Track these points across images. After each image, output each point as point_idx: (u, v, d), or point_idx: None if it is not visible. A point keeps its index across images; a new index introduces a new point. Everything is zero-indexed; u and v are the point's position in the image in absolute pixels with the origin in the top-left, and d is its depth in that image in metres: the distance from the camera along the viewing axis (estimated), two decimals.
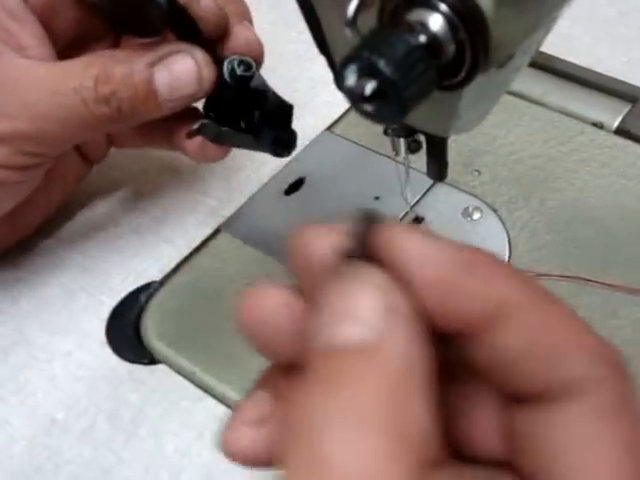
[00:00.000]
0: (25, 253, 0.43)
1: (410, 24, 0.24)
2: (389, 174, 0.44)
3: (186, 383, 0.36)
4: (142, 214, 0.45)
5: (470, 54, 0.24)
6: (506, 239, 0.40)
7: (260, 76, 0.37)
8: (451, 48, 0.24)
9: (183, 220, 0.45)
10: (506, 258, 0.39)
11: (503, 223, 0.40)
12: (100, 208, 0.46)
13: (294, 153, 0.47)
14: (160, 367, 0.37)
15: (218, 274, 0.41)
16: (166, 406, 0.36)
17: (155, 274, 0.42)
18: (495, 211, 0.41)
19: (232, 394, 0.35)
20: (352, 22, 0.26)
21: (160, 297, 0.40)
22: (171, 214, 0.45)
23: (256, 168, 0.47)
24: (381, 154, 0.46)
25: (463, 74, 0.24)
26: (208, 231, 0.44)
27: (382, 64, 0.22)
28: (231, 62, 0.35)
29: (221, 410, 0.35)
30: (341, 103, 0.47)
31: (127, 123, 0.36)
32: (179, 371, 0.37)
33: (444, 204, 0.42)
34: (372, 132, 0.47)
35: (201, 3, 0.34)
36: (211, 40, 0.36)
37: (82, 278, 0.42)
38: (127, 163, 0.48)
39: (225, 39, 0.36)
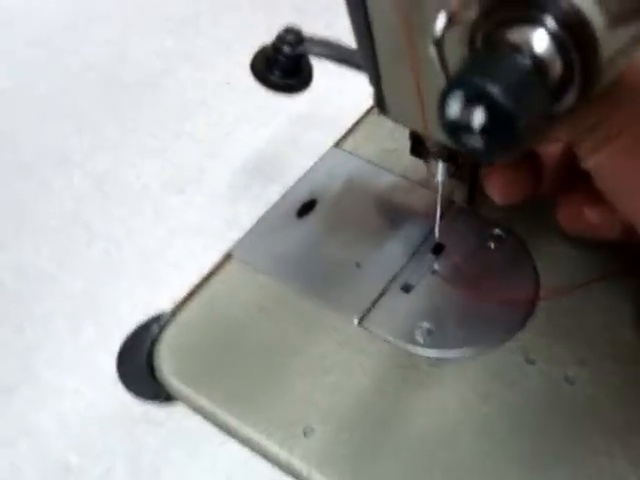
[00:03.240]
0: (25, 280, 0.41)
1: (513, 44, 0.21)
2: (403, 195, 0.43)
3: (206, 423, 0.35)
4: (145, 236, 0.44)
5: (580, 76, 0.21)
6: (532, 266, 0.39)
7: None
8: (558, 70, 0.21)
9: (189, 242, 0.43)
10: (532, 286, 0.38)
11: (528, 250, 0.39)
12: (101, 229, 0.44)
13: (302, 171, 0.46)
14: (177, 406, 0.36)
15: (231, 304, 0.39)
16: (187, 449, 0.34)
17: (165, 302, 0.40)
18: (519, 237, 0.40)
19: (257, 437, 0.34)
20: (438, 42, 0.23)
21: (172, 330, 0.38)
22: (175, 236, 0.43)
23: (263, 186, 0.45)
24: (393, 172, 0.44)
25: (570, 99, 0.22)
26: (216, 254, 0.42)
27: (496, 91, 0.19)
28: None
29: (246, 454, 0.33)
30: (348, 117, 0.46)
31: None
32: (198, 410, 0.35)
33: (466, 229, 0.41)
34: (382, 149, 0.45)
35: None
36: None
37: (87, 307, 0.40)
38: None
39: None
